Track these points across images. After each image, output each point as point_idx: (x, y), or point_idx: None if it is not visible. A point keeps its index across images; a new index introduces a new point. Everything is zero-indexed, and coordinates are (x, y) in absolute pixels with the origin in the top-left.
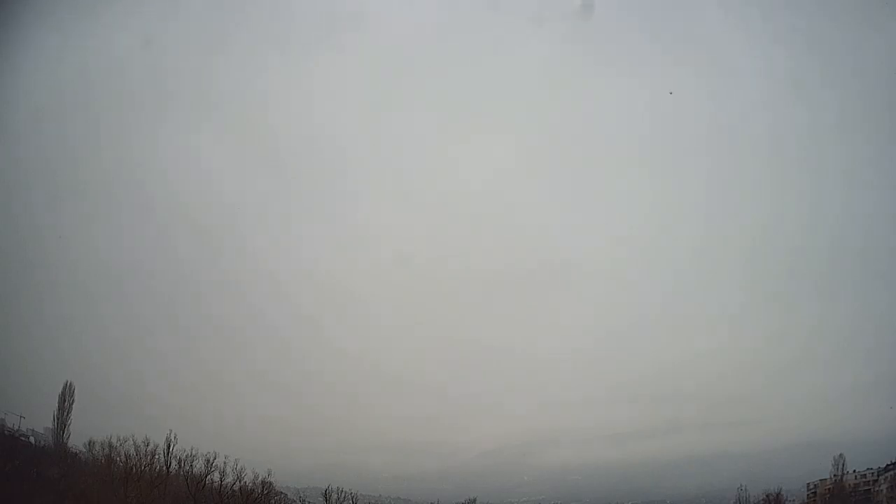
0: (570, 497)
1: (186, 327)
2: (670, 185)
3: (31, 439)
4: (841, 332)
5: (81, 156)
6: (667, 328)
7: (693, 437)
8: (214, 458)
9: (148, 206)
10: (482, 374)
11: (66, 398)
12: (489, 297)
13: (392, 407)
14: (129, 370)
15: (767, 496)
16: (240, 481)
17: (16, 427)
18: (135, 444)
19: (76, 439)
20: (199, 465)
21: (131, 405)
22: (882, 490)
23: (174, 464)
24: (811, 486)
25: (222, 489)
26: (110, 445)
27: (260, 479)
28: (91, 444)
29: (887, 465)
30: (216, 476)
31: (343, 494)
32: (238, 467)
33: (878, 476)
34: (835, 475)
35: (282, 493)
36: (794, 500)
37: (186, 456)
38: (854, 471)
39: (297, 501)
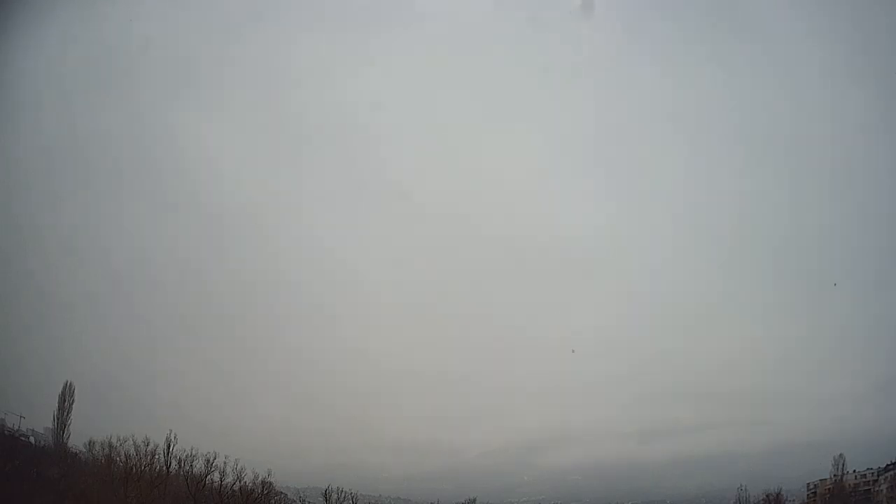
0: (570, 497)
1: (190, 326)
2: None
3: (31, 439)
4: (841, 332)
5: (84, 148)
6: (667, 328)
7: (693, 437)
8: (214, 458)
9: (151, 201)
10: (483, 374)
11: (66, 398)
12: (490, 295)
13: (392, 407)
14: (130, 370)
15: (767, 496)
16: (240, 481)
17: (16, 427)
18: (135, 444)
19: (76, 439)
20: (199, 465)
21: (132, 405)
22: (882, 490)
23: (174, 464)
24: (811, 486)
25: (222, 489)
26: (110, 445)
27: (260, 479)
28: (91, 444)
29: (887, 465)
30: (216, 476)
31: (343, 494)
32: (238, 467)
33: (878, 476)
34: (835, 475)
35: (282, 493)
36: (794, 500)
37: (186, 456)
38: (854, 471)
39: (297, 501)
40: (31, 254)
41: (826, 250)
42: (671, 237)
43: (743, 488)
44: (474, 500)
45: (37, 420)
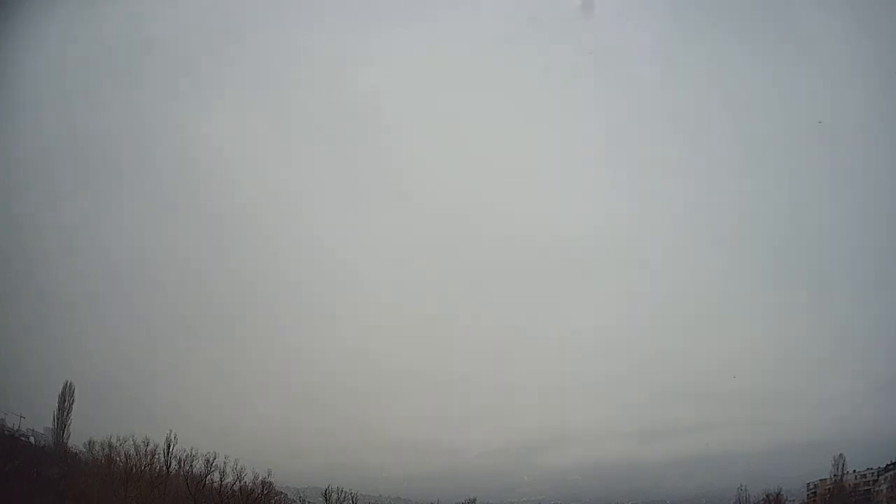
0: (570, 497)
1: (190, 326)
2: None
3: (31, 439)
4: (841, 332)
5: (84, 148)
6: (667, 328)
7: (693, 437)
8: (214, 458)
9: (151, 201)
10: (483, 374)
11: (66, 398)
12: (490, 295)
13: (392, 407)
14: (130, 370)
15: (767, 496)
16: (240, 481)
17: (16, 427)
18: (135, 444)
19: (76, 439)
20: (199, 465)
21: (132, 405)
22: (882, 490)
23: (174, 464)
24: (811, 486)
25: (222, 489)
26: (110, 445)
27: (260, 479)
28: (91, 444)
29: (887, 465)
30: (216, 476)
31: (343, 494)
32: (238, 467)
33: (878, 476)
34: (835, 475)
35: (282, 493)
36: (794, 500)
37: (186, 456)
38: (854, 471)
39: (297, 501)
40: (31, 254)
41: (826, 250)
42: (671, 237)
43: (743, 488)
44: (474, 500)
45: (37, 420)
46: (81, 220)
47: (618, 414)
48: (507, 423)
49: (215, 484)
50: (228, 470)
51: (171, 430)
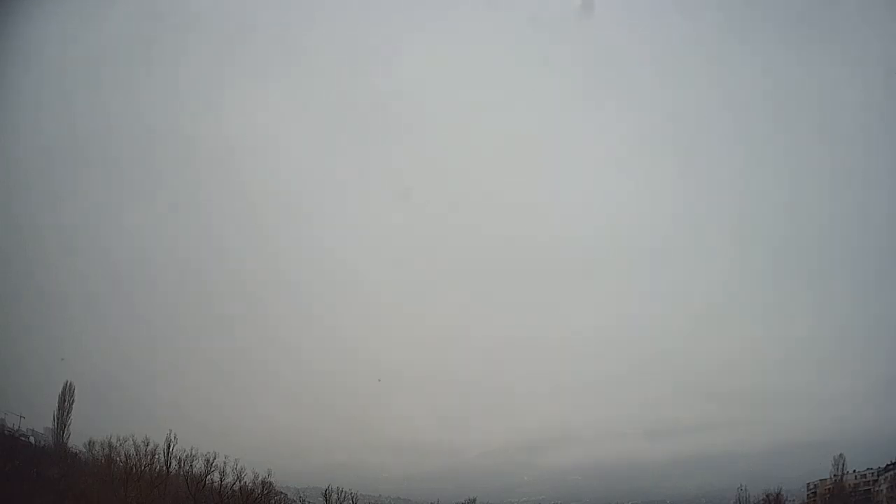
0: (570, 497)
1: (190, 326)
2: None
3: (31, 439)
4: (841, 332)
5: (84, 148)
6: (667, 328)
7: (693, 437)
8: (214, 458)
9: (150, 201)
10: (483, 374)
11: (66, 398)
12: (490, 295)
13: (392, 407)
14: (130, 370)
15: (767, 496)
16: (240, 481)
17: (16, 427)
18: (135, 444)
19: (76, 439)
20: (199, 465)
21: (132, 405)
22: (882, 490)
23: (174, 464)
24: (811, 486)
25: (222, 489)
26: (110, 445)
27: (260, 479)
28: (91, 444)
29: (887, 465)
30: (216, 476)
31: (343, 494)
32: (238, 467)
33: (878, 476)
34: (835, 475)
35: (282, 493)
36: (794, 500)
37: (186, 456)
38: (854, 471)
39: (297, 501)
40: (31, 254)
41: (826, 250)
42: (671, 237)
43: (743, 488)
44: (474, 500)
45: (37, 420)
46: (81, 220)
47: (618, 414)
48: (507, 423)
49: (215, 484)
50: (228, 470)
51: (171, 430)
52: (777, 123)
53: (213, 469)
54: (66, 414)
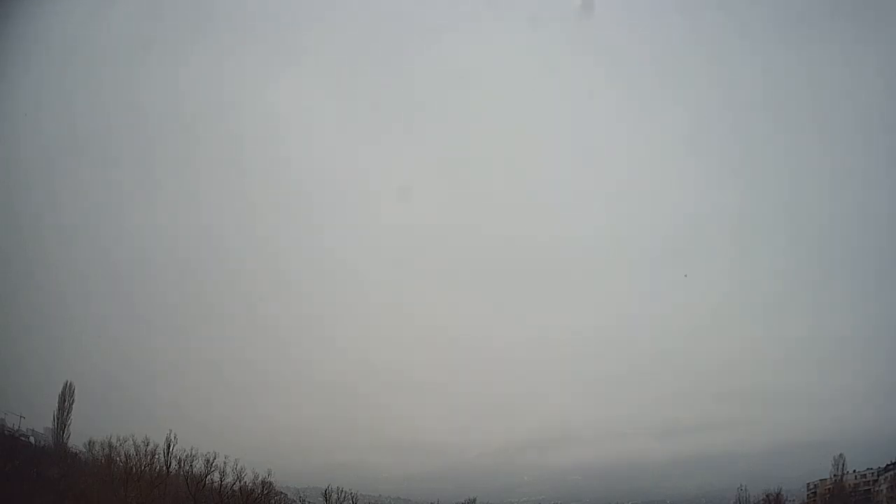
0: (570, 497)
1: (190, 326)
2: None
3: (31, 439)
4: (841, 332)
5: (84, 148)
6: (667, 328)
7: (693, 437)
8: (214, 458)
9: (150, 201)
10: (483, 373)
11: (66, 398)
12: (490, 295)
13: (392, 407)
14: (130, 370)
15: (767, 496)
16: (240, 481)
17: (16, 427)
18: (135, 444)
19: (76, 439)
20: (199, 465)
21: (132, 405)
22: (882, 490)
23: (174, 464)
24: (811, 486)
25: (222, 489)
26: (110, 445)
27: (260, 479)
28: (91, 444)
29: (887, 465)
30: (216, 476)
31: (343, 494)
32: (238, 467)
33: (878, 476)
34: (835, 475)
35: (282, 493)
36: (794, 500)
37: (186, 456)
38: (854, 471)
39: (297, 501)
40: (31, 254)
41: (826, 250)
42: (671, 237)
43: (743, 488)
44: (474, 500)
45: (37, 420)
46: (81, 220)
47: (618, 414)
48: (507, 423)
49: (215, 484)
50: (228, 470)
51: (171, 430)
52: (777, 123)
53: (213, 469)
54: (66, 414)
